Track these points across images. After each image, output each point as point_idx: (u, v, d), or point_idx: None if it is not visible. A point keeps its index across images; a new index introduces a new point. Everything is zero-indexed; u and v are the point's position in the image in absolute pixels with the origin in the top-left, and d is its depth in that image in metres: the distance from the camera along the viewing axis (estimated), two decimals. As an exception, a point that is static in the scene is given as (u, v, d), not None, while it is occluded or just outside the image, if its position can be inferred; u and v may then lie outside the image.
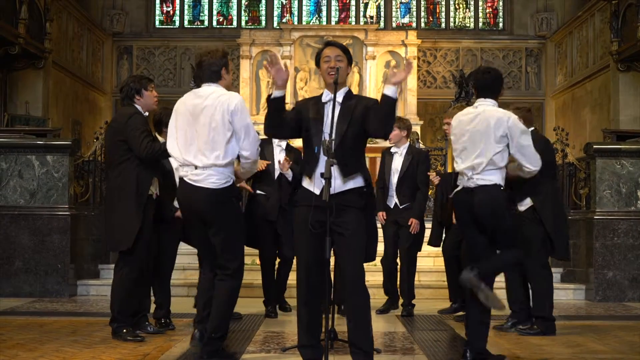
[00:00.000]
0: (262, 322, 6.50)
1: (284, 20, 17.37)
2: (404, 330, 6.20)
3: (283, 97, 4.33)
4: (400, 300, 7.07)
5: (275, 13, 17.67)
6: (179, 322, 6.10)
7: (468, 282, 4.58)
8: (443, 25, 17.69)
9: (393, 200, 6.96)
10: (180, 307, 6.69)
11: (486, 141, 4.71)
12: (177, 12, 17.70)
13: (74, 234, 8.16)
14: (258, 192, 6.77)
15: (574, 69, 15.63)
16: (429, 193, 8.22)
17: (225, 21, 17.75)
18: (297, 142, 6.13)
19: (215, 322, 4.63)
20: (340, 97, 4.32)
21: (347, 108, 4.27)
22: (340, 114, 4.25)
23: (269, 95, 4.32)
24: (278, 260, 6.97)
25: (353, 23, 17.37)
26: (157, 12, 17.66)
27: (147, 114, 5.58)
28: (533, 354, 5.11)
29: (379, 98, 4.29)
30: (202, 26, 17.69)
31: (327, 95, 4.32)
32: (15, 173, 8.08)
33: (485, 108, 4.83)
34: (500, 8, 17.62)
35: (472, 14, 17.72)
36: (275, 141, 6.82)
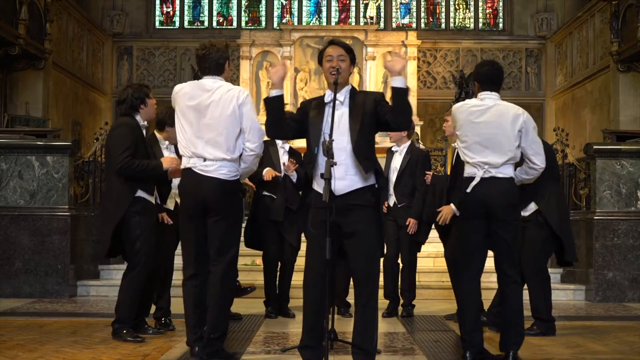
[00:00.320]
0: (262, 322, 6.50)
1: (284, 20, 17.37)
2: (404, 330, 6.20)
3: (280, 97, 4.33)
4: (401, 301, 7.06)
5: (275, 14, 17.67)
6: (179, 322, 6.08)
7: None
8: (443, 25, 17.68)
9: (392, 199, 6.97)
10: (180, 307, 6.64)
11: (504, 135, 4.74)
12: (177, 12, 17.70)
13: (74, 235, 8.16)
14: (264, 193, 6.76)
15: (574, 70, 15.63)
16: None
17: (225, 22, 17.75)
18: (298, 143, 6.15)
19: (213, 321, 4.58)
20: (343, 96, 4.30)
21: (356, 106, 4.27)
22: (351, 113, 4.25)
23: (267, 97, 4.33)
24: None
25: (353, 24, 17.37)
26: (157, 12, 17.66)
27: (146, 123, 5.58)
28: (533, 355, 5.11)
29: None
30: (202, 27, 17.69)
31: (329, 96, 4.31)
32: (15, 174, 8.08)
33: (495, 102, 4.83)
34: (500, 8, 17.62)
35: (472, 14, 17.71)
36: (279, 143, 6.82)
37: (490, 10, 17.69)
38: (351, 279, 6.67)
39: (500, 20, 17.62)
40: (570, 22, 15.67)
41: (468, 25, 17.69)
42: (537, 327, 5.94)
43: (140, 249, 5.35)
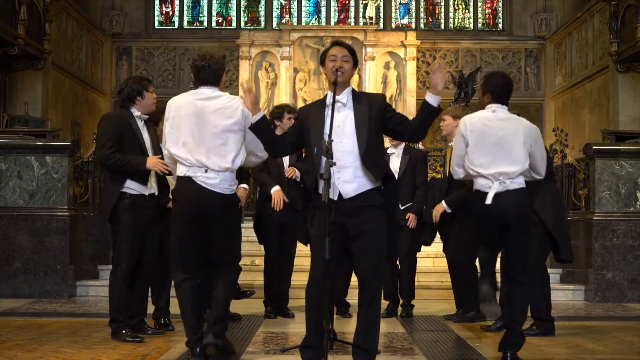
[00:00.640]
0: (262, 322, 6.50)
1: (283, 21, 17.38)
2: (404, 330, 6.20)
3: (262, 118, 4.35)
4: (400, 301, 7.06)
5: (275, 14, 17.67)
6: (179, 322, 6.07)
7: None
8: (442, 26, 17.70)
9: None
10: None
11: (518, 149, 4.82)
12: (177, 12, 17.71)
13: (73, 235, 8.15)
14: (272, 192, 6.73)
15: (573, 70, 15.64)
16: None
17: (224, 22, 17.75)
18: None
19: (219, 311, 4.65)
20: (346, 98, 4.28)
21: (362, 110, 4.25)
22: (356, 117, 4.23)
23: (251, 125, 4.38)
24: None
25: (352, 24, 17.38)
26: (157, 12, 17.67)
27: (146, 116, 5.56)
28: (532, 355, 5.11)
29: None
30: (202, 27, 17.70)
31: (331, 97, 4.28)
32: (14, 174, 8.08)
33: (508, 115, 4.92)
34: (500, 9, 17.63)
35: (472, 14, 17.72)
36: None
37: (490, 11, 17.71)
38: (349, 279, 6.79)
39: (500, 20, 17.63)
40: (569, 23, 15.68)
41: (467, 26, 17.70)
42: (537, 327, 5.94)
43: (121, 247, 5.37)
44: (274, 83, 15.74)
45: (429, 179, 6.96)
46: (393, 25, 17.54)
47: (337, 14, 17.73)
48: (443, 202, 6.51)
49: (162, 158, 5.30)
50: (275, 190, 6.52)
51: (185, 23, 17.73)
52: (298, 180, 6.67)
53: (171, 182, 5.89)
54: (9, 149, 8.12)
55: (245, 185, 6.28)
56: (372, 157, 4.19)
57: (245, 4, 17.70)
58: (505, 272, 4.85)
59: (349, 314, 6.79)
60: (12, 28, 11.68)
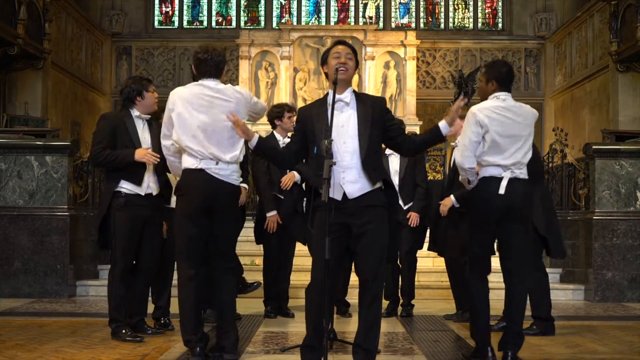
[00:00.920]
0: (262, 322, 6.50)
1: (283, 20, 17.38)
2: (404, 330, 6.20)
3: (259, 141, 4.33)
4: (401, 301, 7.06)
5: (275, 13, 17.67)
6: (179, 322, 6.08)
7: None
8: (442, 25, 17.70)
9: None
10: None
11: (527, 136, 4.88)
12: (176, 12, 17.71)
13: (73, 235, 8.15)
14: (272, 193, 6.73)
15: (573, 70, 15.64)
16: None
17: (224, 21, 17.75)
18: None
19: (229, 321, 4.70)
20: (349, 97, 4.27)
21: (364, 111, 4.24)
22: (359, 118, 4.22)
23: (252, 150, 4.39)
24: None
25: (352, 23, 17.38)
26: (156, 12, 17.67)
27: (147, 117, 5.55)
28: (532, 354, 5.11)
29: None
30: (201, 27, 17.70)
31: (332, 94, 4.27)
32: (14, 174, 8.08)
33: (516, 103, 4.93)
34: (500, 8, 17.63)
35: (471, 14, 17.72)
36: (280, 139, 6.79)
37: (490, 10, 17.71)
38: (349, 279, 6.78)
39: (500, 20, 17.63)
40: (569, 22, 15.68)
41: (467, 25, 17.70)
42: (537, 327, 5.94)
43: (115, 247, 5.38)
44: (273, 83, 15.74)
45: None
46: (393, 25, 17.54)
47: (337, 13, 17.73)
48: (452, 196, 6.36)
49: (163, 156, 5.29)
50: (272, 215, 6.59)
51: (185, 23, 17.73)
52: (298, 183, 6.67)
53: (173, 181, 5.89)
54: (8, 149, 8.12)
55: (245, 185, 6.30)
56: (371, 160, 4.19)
57: (245, 3, 17.70)
58: (505, 271, 4.83)
59: (349, 314, 6.79)
60: (11, 28, 11.68)
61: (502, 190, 4.70)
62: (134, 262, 5.50)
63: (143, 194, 5.43)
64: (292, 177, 6.63)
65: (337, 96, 4.24)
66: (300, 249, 6.55)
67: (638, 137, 9.63)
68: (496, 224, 4.76)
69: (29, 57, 12.60)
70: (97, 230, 5.55)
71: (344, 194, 4.14)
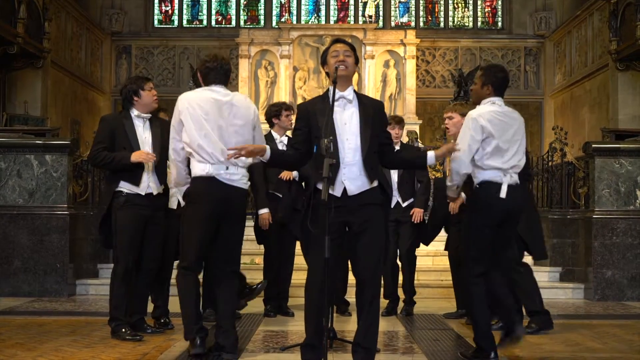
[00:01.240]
0: (262, 321, 6.50)
1: (282, 19, 17.37)
2: (403, 329, 6.20)
3: (271, 153, 4.31)
4: (402, 298, 7.06)
5: (274, 12, 17.67)
6: (178, 321, 6.08)
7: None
8: (442, 24, 17.70)
9: (395, 199, 6.94)
10: (179, 306, 6.68)
11: (521, 140, 4.90)
12: (176, 11, 17.71)
13: (73, 234, 8.15)
14: (270, 191, 6.73)
15: (572, 68, 15.64)
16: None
17: (224, 20, 17.75)
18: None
19: (228, 323, 4.75)
20: (351, 94, 4.29)
21: (366, 111, 4.27)
22: (361, 117, 4.24)
23: (266, 162, 4.39)
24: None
25: (352, 22, 17.38)
26: (156, 11, 17.66)
27: (149, 115, 5.55)
28: (532, 353, 5.12)
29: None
30: (201, 25, 17.70)
31: (336, 94, 4.25)
32: (14, 172, 8.07)
33: (509, 109, 4.94)
34: (499, 7, 17.63)
35: (471, 13, 17.72)
36: (277, 138, 6.79)
37: (489, 9, 17.71)
38: (347, 278, 6.77)
39: (499, 19, 17.64)
40: (569, 21, 15.68)
41: (467, 24, 17.70)
42: (535, 324, 5.93)
43: (117, 245, 5.40)
44: (273, 82, 15.74)
45: (432, 178, 6.95)
46: (392, 24, 17.54)
47: (336, 12, 17.73)
48: (462, 193, 6.38)
49: (166, 156, 5.31)
50: (264, 212, 6.59)
51: (184, 22, 17.73)
52: (297, 179, 6.67)
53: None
54: (8, 148, 8.11)
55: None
56: (370, 159, 4.21)
57: (245, 2, 17.70)
58: (494, 268, 4.86)
59: (348, 313, 6.79)
60: (11, 27, 11.67)
61: (503, 195, 4.73)
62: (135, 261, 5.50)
63: (143, 193, 5.44)
64: (288, 173, 6.64)
65: (339, 93, 4.25)
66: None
67: (638, 135, 9.63)
68: (497, 228, 4.78)
69: (29, 56, 12.60)
70: (99, 230, 5.59)
71: (344, 190, 4.15)
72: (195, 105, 4.65)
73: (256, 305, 7.05)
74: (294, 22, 17.13)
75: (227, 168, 4.64)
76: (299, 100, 15.05)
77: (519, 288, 5.88)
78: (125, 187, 5.40)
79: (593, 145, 8.46)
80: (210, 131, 4.61)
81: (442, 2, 17.69)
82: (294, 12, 17.68)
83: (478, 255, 4.79)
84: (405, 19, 17.67)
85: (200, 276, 4.95)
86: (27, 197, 8.07)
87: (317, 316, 4.17)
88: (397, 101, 15.65)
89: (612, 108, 13.45)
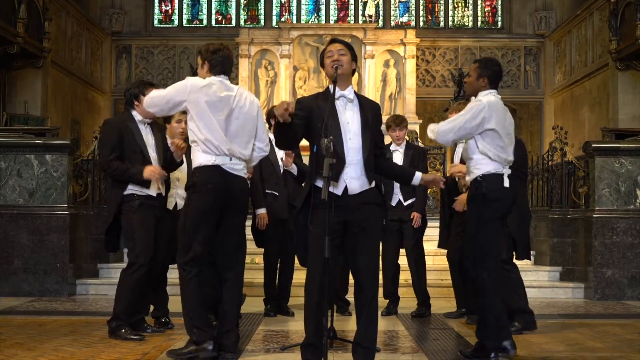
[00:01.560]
0: (262, 321, 6.50)
1: (282, 19, 17.36)
2: (404, 328, 6.20)
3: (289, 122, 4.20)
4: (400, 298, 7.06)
5: (274, 12, 17.67)
6: (178, 321, 6.08)
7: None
8: (442, 24, 17.69)
9: (397, 198, 6.93)
10: (179, 306, 6.67)
11: (513, 135, 4.97)
12: (176, 11, 17.71)
13: (73, 234, 8.15)
14: (266, 191, 6.73)
15: (572, 68, 15.64)
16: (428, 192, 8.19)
17: (224, 20, 17.75)
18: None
19: (234, 315, 4.80)
20: (352, 94, 4.30)
21: (366, 112, 4.29)
22: (363, 119, 4.25)
23: (278, 122, 4.18)
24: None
25: (352, 22, 17.37)
26: (156, 11, 17.66)
27: (149, 120, 5.55)
28: (532, 352, 5.12)
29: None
30: (201, 25, 17.69)
31: (337, 92, 4.24)
32: (14, 172, 8.07)
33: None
34: (499, 7, 17.63)
35: (471, 12, 17.72)
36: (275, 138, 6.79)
37: (489, 9, 17.70)
38: (348, 277, 6.76)
39: (499, 18, 17.63)
40: (569, 21, 15.68)
41: (467, 24, 17.70)
42: (518, 322, 5.88)
43: (135, 247, 5.38)
44: (273, 81, 15.73)
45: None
46: (392, 23, 17.53)
47: (336, 12, 17.73)
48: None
49: (166, 158, 5.33)
50: (261, 212, 6.64)
51: (184, 21, 17.73)
52: (295, 174, 6.67)
53: (175, 183, 5.90)
54: (8, 148, 8.12)
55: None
56: (370, 160, 4.24)
57: (245, 2, 17.70)
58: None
59: (348, 312, 6.79)
60: (11, 26, 11.67)
61: (507, 184, 4.80)
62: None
63: (154, 194, 5.49)
64: (291, 161, 6.63)
65: (340, 92, 4.25)
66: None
67: (638, 135, 9.63)
68: (501, 221, 4.83)
69: (29, 55, 12.59)
70: (106, 233, 5.52)
71: (345, 189, 4.15)
72: (205, 97, 4.63)
73: (256, 305, 7.06)
74: (294, 22, 17.12)
75: (230, 159, 4.66)
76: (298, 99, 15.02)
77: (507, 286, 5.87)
78: (135, 189, 5.41)
79: (593, 145, 8.46)
80: (217, 124, 4.62)
81: (442, 2, 17.68)
82: (294, 12, 17.68)
83: (487, 248, 4.79)
84: (405, 19, 17.67)
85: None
86: (27, 196, 8.07)
87: (317, 316, 4.17)
88: (397, 101, 15.64)
89: (612, 107, 13.45)
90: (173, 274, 6.04)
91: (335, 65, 4.22)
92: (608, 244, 8.23)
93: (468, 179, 4.94)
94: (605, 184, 8.32)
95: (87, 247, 8.63)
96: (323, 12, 17.72)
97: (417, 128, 14.63)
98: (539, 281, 8.73)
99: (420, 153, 7.09)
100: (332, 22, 17.46)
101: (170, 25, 17.67)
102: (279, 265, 6.89)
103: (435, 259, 9.03)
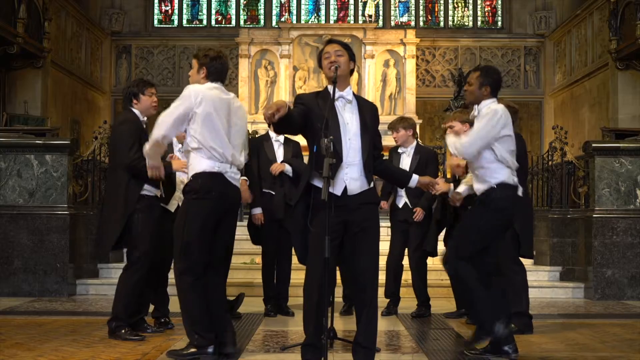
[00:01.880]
0: (262, 321, 6.50)
1: (282, 19, 17.37)
2: (404, 328, 6.20)
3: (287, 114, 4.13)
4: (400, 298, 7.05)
5: (274, 12, 17.67)
6: (178, 321, 6.07)
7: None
8: (442, 24, 17.69)
9: (403, 200, 6.91)
10: (179, 306, 6.68)
11: None
12: (176, 11, 17.71)
13: (73, 234, 8.15)
14: (263, 190, 6.74)
15: (572, 68, 15.64)
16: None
17: (223, 20, 17.75)
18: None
19: (224, 312, 4.82)
20: (350, 95, 4.30)
21: (364, 113, 4.29)
22: (362, 120, 4.25)
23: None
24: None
25: (352, 22, 17.38)
26: (156, 11, 17.66)
27: (146, 119, 5.55)
28: (532, 352, 5.11)
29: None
30: (201, 25, 17.70)
31: (336, 93, 4.23)
32: (14, 172, 8.07)
33: None
34: (499, 7, 17.63)
35: (471, 12, 17.72)
36: (273, 136, 6.80)
37: (489, 9, 17.70)
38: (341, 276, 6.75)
39: (499, 18, 17.63)
40: (568, 20, 15.68)
41: (467, 24, 17.70)
42: (515, 325, 5.86)
43: (140, 247, 5.36)
44: (273, 81, 15.74)
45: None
46: (392, 23, 17.53)
47: (336, 12, 17.73)
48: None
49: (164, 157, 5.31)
50: (257, 212, 6.68)
51: (184, 21, 17.73)
52: (290, 175, 6.66)
53: (180, 186, 5.90)
54: (8, 148, 8.12)
55: (244, 177, 6.44)
56: (369, 161, 4.25)
57: (245, 2, 17.70)
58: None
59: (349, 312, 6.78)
60: (11, 27, 11.67)
61: (521, 193, 4.88)
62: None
63: (159, 195, 5.52)
64: (281, 166, 6.64)
65: (338, 92, 4.25)
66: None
67: (638, 135, 9.63)
68: (505, 229, 4.88)
69: (29, 56, 12.60)
70: (121, 232, 5.36)
71: (345, 189, 4.15)
72: (211, 103, 4.62)
73: (256, 305, 7.06)
74: (294, 22, 17.13)
75: (230, 167, 4.67)
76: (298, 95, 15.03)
77: (510, 286, 5.87)
78: (151, 190, 5.41)
79: (593, 145, 8.46)
80: (222, 131, 4.63)
81: (442, 2, 17.69)
82: (294, 12, 17.68)
83: (479, 249, 4.80)
84: (405, 19, 17.67)
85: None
86: (27, 197, 8.07)
87: (317, 316, 4.17)
88: (397, 101, 15.65)
89: (612, 107, 13.45)
90: (173, 274, 6.05)
91: (334, 66, 4.22)
92: (608, 244, 8.23)
93: (478, 187, 4.90)
94: (605, 184, 8.32)
95: (87, 247, 8.63)
96: (323, 12, 17.72)
97: (417, 128, 14.61)
98: (539, 281, 8.73)
99: (429, 156, 6.96)
100: (332, 22, 17.47)
101: (170, 26, 17.68)
102: (276, 264, 6.90)
103: (435, 259, 9.00)
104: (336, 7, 17.73)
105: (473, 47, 17.18)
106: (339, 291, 6.95)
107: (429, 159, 6.90)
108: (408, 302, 7.23)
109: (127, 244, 5.49)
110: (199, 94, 4.62)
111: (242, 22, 17.58)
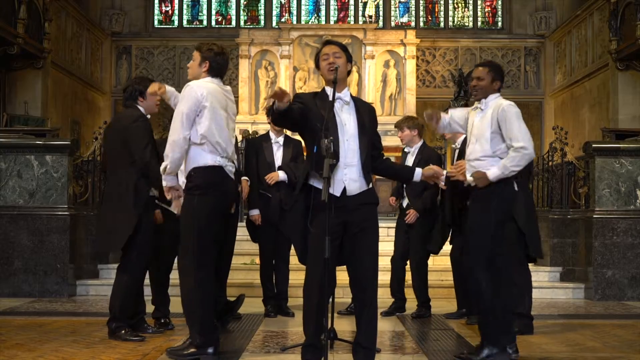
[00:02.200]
0: (262, 321, 6.50)
1: (282, 19, 17.37)
2: (404, 329, 6.20)
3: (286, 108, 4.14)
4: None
5: (274, 12, 17.68)
6: (178, 321, 6.08)
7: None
8: (442, 24, 17.70)
9: (406, 201, 6.93)
10: (179, 307, 6.67)
11: None
12: (176, 11, 17.72)
13: (73, 234, 8.15)
14: (260, 191, 6.74)
15: (572, 68, 15.64)
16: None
17: (224, 21, 17.76)
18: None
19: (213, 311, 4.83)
20: (348, 96, 4.31)
21: (362, 114, 4.31)
22: (359, 121, 4.26)
23: (272, 107, 4.10)
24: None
25: (352, 22, 17.38)
26: (156, 11, 17.67)
27: (149, 116, 5.55)
28: (532, 353, 5.11)
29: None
30: (201, 26, 17.70)
31: (330, 92, 4.25)
32: (14, 173, 8.07)
33: None
34: (499, 7, 17.63)
35: (471, 13, 17.72)
36: (273, 138, 6.80)
37: (489, 9, 17.71)
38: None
39: (499, 18, 17.64)
40: (569, 21, 15.68)
41: (467, 24, 17.71)
42: (515, 325, 5.86)
43: (137, 246, 5.35)
44: (273, 82, 15.74)
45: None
46: (392, 24, 17.54)
47: (336, 12, 17.73)
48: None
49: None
50: (254, 213, 6.69)
51: (184, 22, 17.74)
52: (285, 182, 6.67)
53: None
54: (8, 148, 8.11)
55: (245, 177, 6.61)
56: (368, 162, 4.25)
57: (245, 2, 17.70)
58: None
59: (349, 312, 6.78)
60: (11, 27, 11.67)
61: (517, 187, 4.93)
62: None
63: (157, 196, 5.51)
64: (276, 176, 6.65)
65: (336, 94, 4.25)
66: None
67: (638, 135, 9.63)
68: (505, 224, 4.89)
69: (29, 56, 12.60)
70: (131, 234, 5.28)
71: (344, 190, 4.15)
72: (214, 98, 4.65)
73: (256, 305, 7.06)
74: (294, 22, 17.14)
75: (227, 161, 4.71)
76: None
77: (515, 287, 5.85)
78: (152, 191, 5.41)
79: (593, 145, 8.46)
80: (224, 125, 4.67)
81: (442, 2, 17.69)
82: (294, 12, 17.68)
83: (488, 247, 4.78)
84: (405, 19, 17.67)
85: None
86: (28, 197, 8.07)
87: (317, 316, 4.17)
88: (397, 101, 15.66)
89: (612, 108, 13.45)
90: (174, 275, 6.05)
91: (333, 68, 4.23)
92: (608, 245, 8.22)
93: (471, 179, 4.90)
94: (606, 185, 8.32)
95: (88, 247, 8.63)
96: (323, 12, 17.72)
97: (423, 129, 14.59)
98: (539, 281, 8.72)
99: (433, 157, 6.91)
100: (332, 22, 17.47)
101: (171, 26, 17.68)
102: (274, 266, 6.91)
103: (436, 259, 9.01)
104: (336, 7, 17.73)
105: (473, 47, 17.18)
106: (339, 292, 6.96)
107: (431, 160, 6.88)
108: (408, 302, 7.22)
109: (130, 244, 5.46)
110: (202, 88, 4.62)
111: (242, 23, 17.59)
